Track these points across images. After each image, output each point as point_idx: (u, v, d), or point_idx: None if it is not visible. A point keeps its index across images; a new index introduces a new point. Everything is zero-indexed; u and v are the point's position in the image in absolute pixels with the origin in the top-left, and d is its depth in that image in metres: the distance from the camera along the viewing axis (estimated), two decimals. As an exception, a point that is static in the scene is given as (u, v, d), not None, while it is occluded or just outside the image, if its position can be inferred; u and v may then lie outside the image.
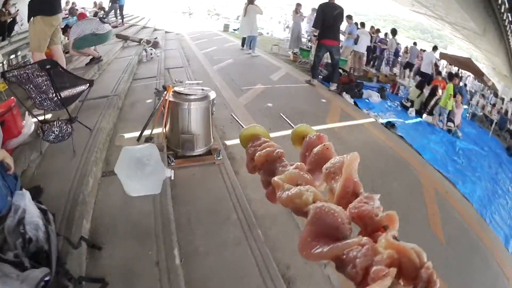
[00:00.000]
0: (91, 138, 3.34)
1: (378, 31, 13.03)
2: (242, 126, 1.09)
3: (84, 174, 2.75)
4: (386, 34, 13.13)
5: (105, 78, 5.69)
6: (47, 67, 2.58)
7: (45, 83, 2.68)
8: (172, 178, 2.81)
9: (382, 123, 6.53)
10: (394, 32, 12.29)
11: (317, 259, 0.56)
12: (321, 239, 0.57)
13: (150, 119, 3.49)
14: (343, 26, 10.53)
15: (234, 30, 16.62)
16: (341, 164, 0.71)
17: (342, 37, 11.26)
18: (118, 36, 9.21)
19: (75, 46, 5.53)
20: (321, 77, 8.48)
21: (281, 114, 1.48)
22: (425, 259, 0.49)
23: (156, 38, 9.46)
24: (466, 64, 12.95)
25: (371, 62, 12.72)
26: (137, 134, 3.60)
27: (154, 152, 2.60)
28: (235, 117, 1.47)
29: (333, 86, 7.66)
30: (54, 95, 2.76)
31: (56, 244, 1.70)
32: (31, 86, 2.68)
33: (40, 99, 2.82)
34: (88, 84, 3.13)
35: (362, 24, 11.26)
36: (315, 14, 7.65)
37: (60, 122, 2.89)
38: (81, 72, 5.29)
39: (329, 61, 8.56)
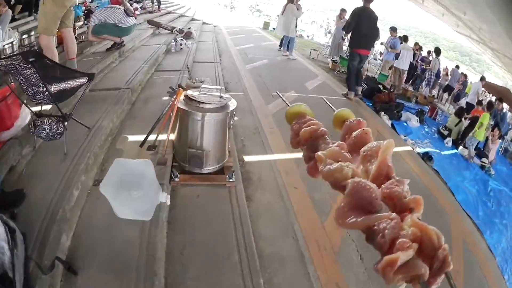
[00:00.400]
0: (88, 139, 2.92)
1: (421, 48, 12.13)
2: (287, 104, 1.19)
3: (69, 185, 2.35)
4: (429, 53, 12.20)
5: (124, 66, 5.30)
6: (31, 59, 2.19)
7: (34, 75, 2.31)
8: (168, 203, 2.37)
9: (419, 153, 5.85)
10: (438, 51, 11.23)
11: (351, 227, 0.62)
12: (355, 210, 0.63)
13: (156, 125, 3.05)
14: (384, 38, 10.05)
15: (274, 29, 16.00)
16: (378, 149, 0.77)
17: (381, 49, 10.53)
18: (150, 22, 8.85)
19: (94, 31, 5.19)
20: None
21: (323, 97, 1.45)
22: (443, 241, 0.55)
23: (190, 28, 9.03)
24: (504, 94, 11.83)
25: (410, 81, 11.86)
26: (143, 136, 3.19)
27: (149, 172, 2.19)
28: (279, 94, 1.49)
29: (359, 90, 7.17)
30: (44, 89, 2.36)
31: (23, 270, 1.53)
32: (21, 77, 2.33)
33: (32, 91, 2.45)
34: (87, 78, 2.71)
35: (405, 39, 10.17)
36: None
37: (50, 120, 2.50)
38: (99, 58, 4.95)
39: (369, 75, 8.51)
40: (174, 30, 8.54)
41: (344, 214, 0.63)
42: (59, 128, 2.53)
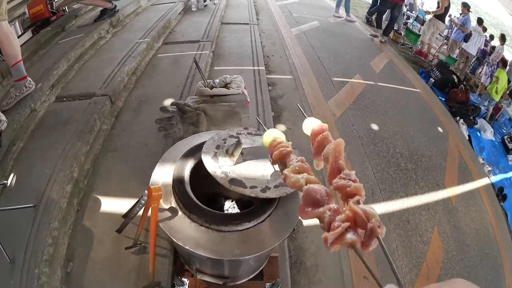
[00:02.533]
0: (35, 227, 1.68)
1: (485, 29, 9.81)
2: (305, 114, 1.10)
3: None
4: (492, 37, 9.90)
5: (113, 45, 3.60)
6: None
7: None
8: None
9: (493, 186, 4.39)
10: (504, 38, 9.08)
11: (308, 217, 0.77)
12: (310, 206, 0.78)
13: (132, 213, 1.56)
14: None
15: None
16: (332, 151, 0.90)
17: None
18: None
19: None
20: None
21: (298, 105, 1.28)
22: (374, 216, 0.66)
23: (218, -25, 7.00)
24: None
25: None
26: (125, 202, 1.90)
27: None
28: (300, 107, 1.20)
29: (384, 38, 6.97)
30: None
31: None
32: None
33: None
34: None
35: (480, 21, 8.36)
36: None
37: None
38: (81, 36, 3.32)
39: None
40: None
41: (303, 209, 0.78)
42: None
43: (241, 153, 1.21)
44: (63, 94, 2.65)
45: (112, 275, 1.65)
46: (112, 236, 1.79)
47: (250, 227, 1.11)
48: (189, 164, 1.22)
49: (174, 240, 1.03)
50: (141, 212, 1.39)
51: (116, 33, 3.88)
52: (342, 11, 7.86)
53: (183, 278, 1.64)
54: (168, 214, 1.10)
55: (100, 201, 1.97)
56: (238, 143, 1.18)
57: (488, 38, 9.62)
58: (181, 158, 1.23)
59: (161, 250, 1.71)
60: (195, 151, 1.26)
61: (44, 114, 2.47)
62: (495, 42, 9.34)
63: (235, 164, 1.19)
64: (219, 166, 1.17)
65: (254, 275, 1.73)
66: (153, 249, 1.30)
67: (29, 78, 2.46)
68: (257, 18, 6.03)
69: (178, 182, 1.14)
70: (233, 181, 1.12)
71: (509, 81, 7.94)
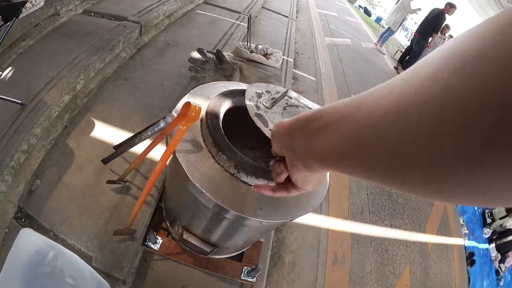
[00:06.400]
0: (12, 128, 1.39)
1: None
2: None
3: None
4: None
5: None
6: None
7: None
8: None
9: (466, 248, 4.27)
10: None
11: None
12: None
13: (136, 140, 1.30)
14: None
15: (360, 6, 13.97)
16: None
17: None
18: None
19: None
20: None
21: None
22: None
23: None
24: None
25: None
26: (121, 133, 1.68)
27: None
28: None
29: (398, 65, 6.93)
30: None
31: None
32: None
33: None
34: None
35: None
36: None
37: None
38: None
39: None
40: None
41: None
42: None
43: (284, 108, 0.99)
44: (92, 10, 2.33)
45: (80, 208, 1.39)
46: (95, 165, 1.53)
47: (279, 190, 0.88)
48: (226, 104, 0.98)
49: (190, 178, 0.78)
50: (142, 144, 1.17)
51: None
52: (384, 48, 7.72)
53: (157, 235, 1.41)
54: (190, 147, 0.84)
55: (93, 124, 1.71)
56: (284, 94, 0.95)
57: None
58: (218, 96, 1.00)
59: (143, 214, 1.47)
60: (234, 94, 1.03)
61: (66, 22, 2.16)
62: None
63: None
64: (257, 106, 0.92)
65: (235, 254, 1.53)
66: (148, 190, 1.05)
67: None
68: (296, 16, 5.79)
69: (212, 115, 0.88)
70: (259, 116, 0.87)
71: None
